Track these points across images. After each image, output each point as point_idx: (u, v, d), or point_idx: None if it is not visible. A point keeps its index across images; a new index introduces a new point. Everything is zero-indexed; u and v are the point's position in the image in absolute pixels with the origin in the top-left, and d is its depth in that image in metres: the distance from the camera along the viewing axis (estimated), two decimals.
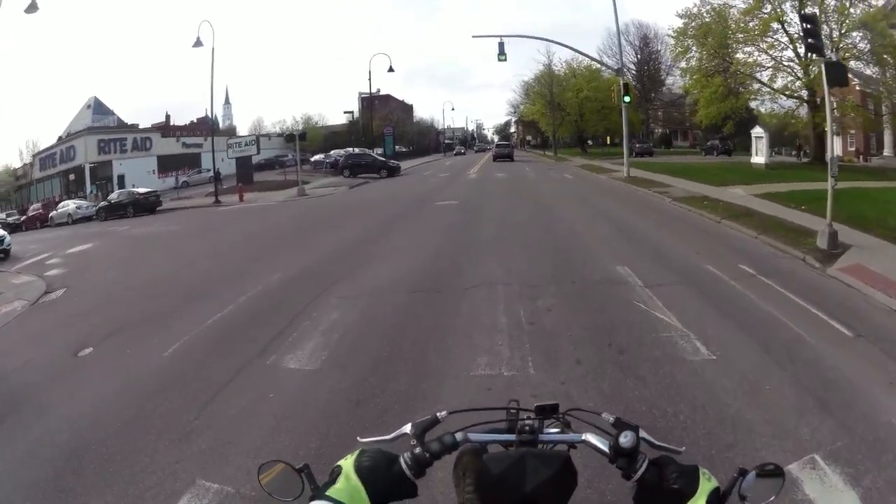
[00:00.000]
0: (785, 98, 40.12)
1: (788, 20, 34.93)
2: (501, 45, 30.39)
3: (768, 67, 37.19)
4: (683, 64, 41.03)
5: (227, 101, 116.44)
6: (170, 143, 64.43)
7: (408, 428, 1.46)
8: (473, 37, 32.60)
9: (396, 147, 79.99)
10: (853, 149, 56.40)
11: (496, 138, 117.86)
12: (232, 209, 29.52)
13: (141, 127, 73.51)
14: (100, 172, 55.89)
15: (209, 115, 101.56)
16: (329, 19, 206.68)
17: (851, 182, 20.66)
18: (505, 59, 30.43)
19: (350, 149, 54.69)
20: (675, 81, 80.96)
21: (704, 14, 37.85)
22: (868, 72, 35.91)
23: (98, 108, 75.91)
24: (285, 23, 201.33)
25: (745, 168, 32.56)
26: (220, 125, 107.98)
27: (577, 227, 15.09)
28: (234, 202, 32.54)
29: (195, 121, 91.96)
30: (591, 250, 12.01)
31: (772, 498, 1.34)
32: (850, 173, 26.59)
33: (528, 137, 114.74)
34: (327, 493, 1.29)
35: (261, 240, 17.58)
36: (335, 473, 1.35)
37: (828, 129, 14.18)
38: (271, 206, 29.68)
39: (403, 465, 1.38)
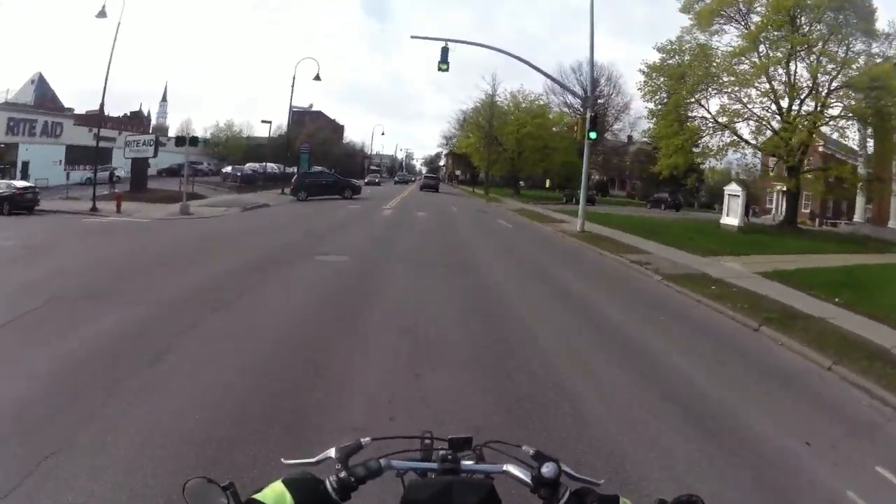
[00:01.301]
0: (746, 155, 36.35)
1: (773, 72, 30.72)
2: (445, 50, 23.82)
3: (745, 119, 32.56)
4: (651, 105, 35.48)
5: (164, 99, 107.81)
6: (82, 132, 54.51)
7: (332, 452, 1.47)
8: (412, 37, 25.33)
9: (316, 168, 73.02)
10: (807, 211, 54.38)
11: (424, 170, 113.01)
12: (99, 222, 23.16)
13: (77, 112, 69.52)
14: (5, 155, 47.12)
15: (142, 108, 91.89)
16: (282, 29, 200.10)
17: (844, 255, 19.79)
18: (447, 69, 23.79)
19: (313, 168, 51.15)
20: (622, 128, 78.09)
21: (686, 51, 32.76)
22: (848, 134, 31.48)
23: (41, 84, 74.16)
24: (235, 28, 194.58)
25: (713, 229, 28.35)
26: (153, 122, 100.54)
27: (553, 347, 7.83)
28: (110, 212, 26.40)
29: (129, 114, 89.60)
30: (617, 445, 4.89)
31: None
32: (826, 243, 24.95)
33: (458, 172, 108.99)
34: (255, 497, 1.31)
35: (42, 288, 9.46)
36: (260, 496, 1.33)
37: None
38: (142, 224, 23.19)
39: (329, 489, 1.37)
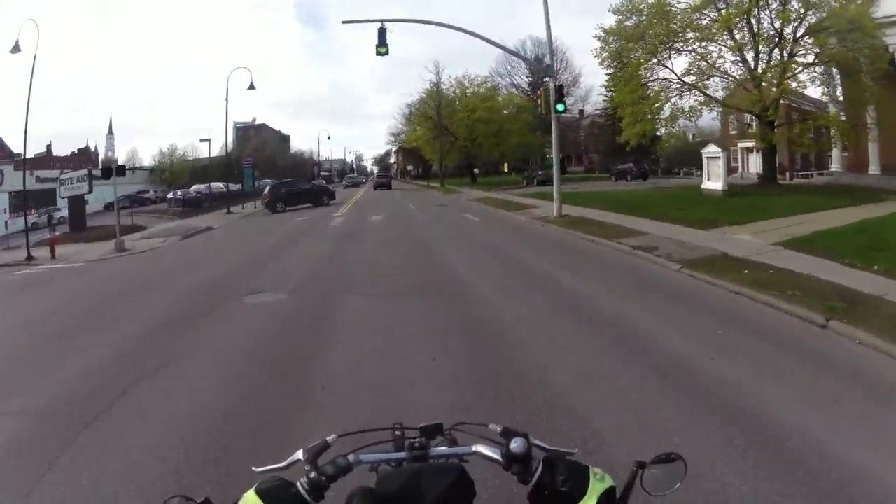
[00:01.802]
0: (714, 113, 34.76)
1: (739, 22, 28.75)
2: (382, 31, 20.73)
3: (712, 77, 30.69)
4: (610, 72, 33.16)
5: (110, 132, 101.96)
6: (25, 177, 51.27)
7: (300, 454, 1.44)
8: (344, 22, 22.03)
9: (260, 182, 69.68)
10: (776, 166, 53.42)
11: (376, 170, 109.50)
12: (24, 274, 20.26)
13: (25, 157, 64.89)
14: None
15: (89, 144, 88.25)
16: (218, 47, 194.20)
17: (843, 210, 18.35)
18: (385, 52, 20.67)
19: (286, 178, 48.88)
20: (574, 102, 76.01)
21: (643, 10, 30.16)
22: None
23: None
24: (170, 51, 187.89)
25: (698, 196, 26.26)
26: (101, 156, 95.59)
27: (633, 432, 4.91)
28: (45, 259, 23.69)
29: (76, 152, 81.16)
30: None
31: (677, 485, 1.35)
32: (813, 196, 23.18)
33: (409, 167, 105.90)
34: None
35: None
36: None
37: None
38: (71, 270, 20.29)
39: (301, 491, 1.35)
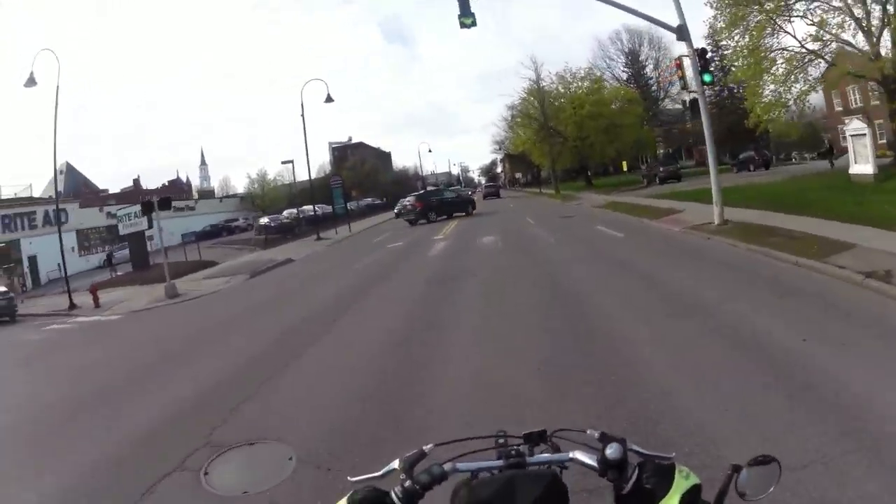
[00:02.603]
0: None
1: None
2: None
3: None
4: (731, 43, 28.90)
5: (203, 162, 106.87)
6: (92, 213, 54.16)
7: (396, 463, 1.47)
8: None
9: (355, 203, 68.07)
10: (883, 141, 47.64)
11: (483, 180, 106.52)
12: (55, 329, 19.10)
13: (111, 192, 72.88)
14: (9, 254, 44.61)
15: (180, 176, 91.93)
16: (309, 71, 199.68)
17: None
18: (472, 23, 17.47)
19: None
20: (679, 93, 70.59)
21: None
22: None
23: (70, 173, 74.35)
24: (264, 72, 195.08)
25: (846, 182, 22.52)
26: (198, 186, 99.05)
27: None
28: (88, 308, 22.28)
29: (167, 183, 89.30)
30: None
31: (771, 488, 1.35)
32: None
33: (518, 175, 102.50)
34: None
35: None
36: None
37: None
38: (106, 324, 18.51)
39: (395, 500, 1.37)
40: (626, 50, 74.15)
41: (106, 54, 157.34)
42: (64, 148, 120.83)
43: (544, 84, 56.08)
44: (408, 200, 45.25)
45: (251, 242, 42.07)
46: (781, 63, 27.83)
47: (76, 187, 74.51)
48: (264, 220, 52.56)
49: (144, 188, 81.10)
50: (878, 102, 48.22)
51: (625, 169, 52.41)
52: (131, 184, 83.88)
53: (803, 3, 26.11)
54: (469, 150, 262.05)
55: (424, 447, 1.51)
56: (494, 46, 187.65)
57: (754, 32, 26.92)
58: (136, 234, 30.78)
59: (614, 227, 20.61)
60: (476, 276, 14.06)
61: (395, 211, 48.54)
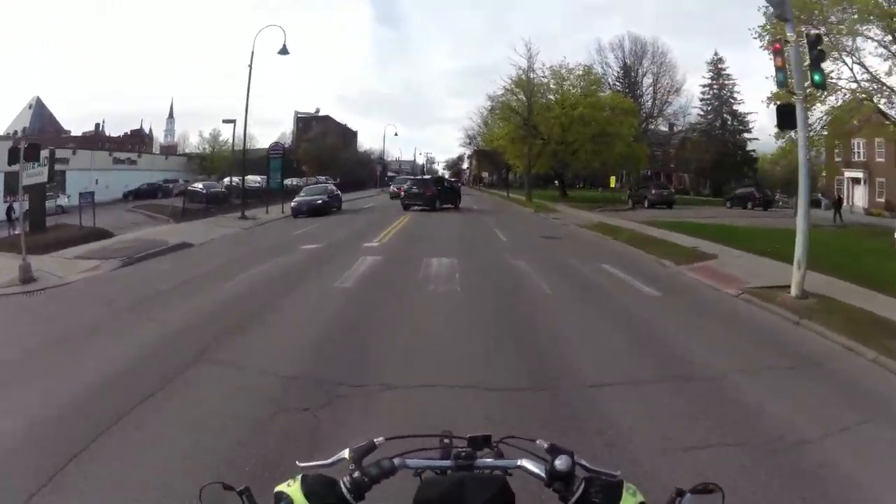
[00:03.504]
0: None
1: None
2: None
3: None
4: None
5: (170, 115, 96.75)
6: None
7: (346, 453, 1.46)
8: None
9: (312, 179, 60.75)
10: (882, 200, 47.46)
11: (447, 174, 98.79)
12: None
13: (73, 135, 70.91)
14: None
15: (144, 127, 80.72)
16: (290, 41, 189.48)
17: None
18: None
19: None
20: (676, 111, 65.60)
21: None
22: None
23: (38, 108, 73.36)
24: (238, 38, 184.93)
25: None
26: (160, 140, 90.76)
27: None
28: None
29: (129, 133, 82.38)
30: None
31: None
32: None
33: (484, 174, 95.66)
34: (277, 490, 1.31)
35: None
36: (278, 498, 1.32)
37: None
38: None
39: (343, 489, 1.36)
40: (625, 60, 68.68)
41: None
42: (40, 80, 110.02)
43: (535, 76, 48.60)
44: (408, 184, 38.62)
45: (167, 211, 34.35)
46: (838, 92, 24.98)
47: (42, 125, 71.94)
48: (198, 186, 45.74)
49: (108, 135, 78.29)
50: (882, 160, 44.11)
51: (612, 185, 44.81)
52: (92, 128, 79.47)
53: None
54: (439, 144, 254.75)
55: (375, 440, 1.48)
56: (486, 45, 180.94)
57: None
58: (37, 186, 23.03)
59: (631, 271, 13.54)
60: (392, 388, 5.90)
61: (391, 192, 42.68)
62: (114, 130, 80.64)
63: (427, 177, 43.51)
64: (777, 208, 44.39)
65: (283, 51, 29.96)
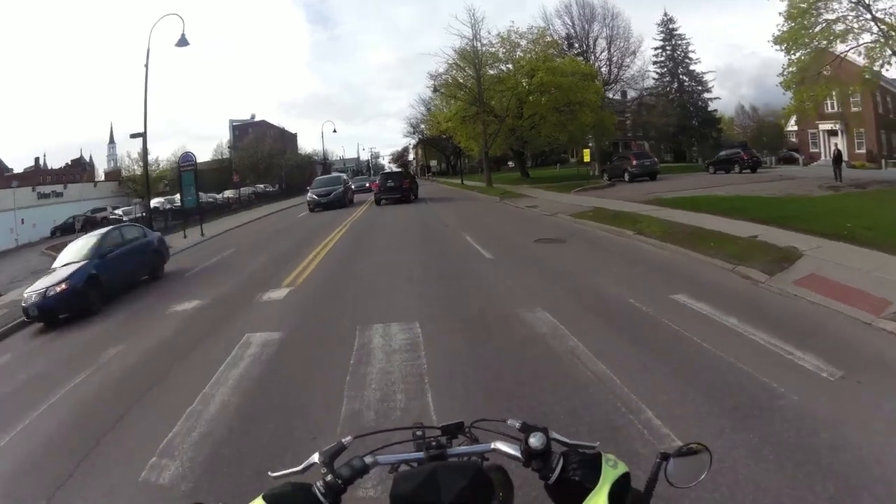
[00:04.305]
0: None
1: None
2: None
3: None
4: None
5: (111, 141, 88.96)
6: None
7: (316, 457, 1.42)
8: None
9: (236, 191, 55.17)
10: (862, 151, 45.75)
11: (393, 167, 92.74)
12: None
13: (15, 172, 66.24)
14: None
15: (83, 154, 74.89)
16: (222, 48, 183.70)
17: None
18: None
19: None
20: (635, 75, 60.58)
21: None
22: None
23: None
24: (172, 51, 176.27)
25: None
26: (104, 167, 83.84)
27: None
28: None
29: (69, 163, 77.28)
30: None
31: (702, 476, 1.32)
32: None
33: (433, 162, 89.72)
34: None
35: None
36: None
37: None
38: None
39: (318, 494, 1.32)
40: (574, 26, 63.14)
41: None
42: None
43: (482, 46, 41.94)
44: (381, 178, 36.73)
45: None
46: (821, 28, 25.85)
47: None
48: (117, 213, 41.87)
49: (49, 168, 74.51)
50: (858, 109, 41.53)
51: (588, 159, 38.14)
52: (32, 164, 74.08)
53: None
54: (384, 135, 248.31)
55: (343, 440, 1.45)
56: (420, 34, 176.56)
57: None
58: None
59: (730, 306, 7.58)
60: None
61: (308, 200, 35.28)
62: (56, 162, 76.91)
63: (398, 170, 43.06)
64: (764, 170, 39.65)
65: (182, 42, 24.95)
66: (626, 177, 35.11)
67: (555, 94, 40.11)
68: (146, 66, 25.58)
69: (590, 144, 44.31)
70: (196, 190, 28.62)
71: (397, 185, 33.29)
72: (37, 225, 47.76)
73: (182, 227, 28.78)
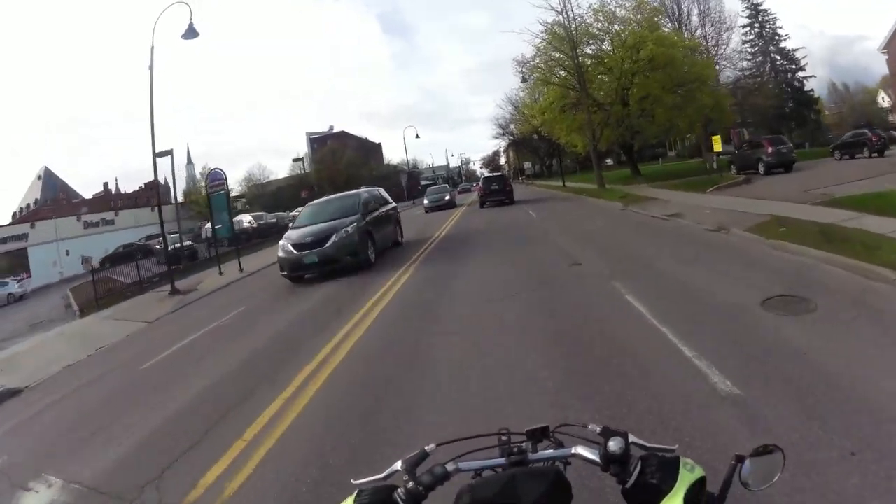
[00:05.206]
0: None
1: None
2: None
3: None
4: None
5: (189, 161, 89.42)
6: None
7: (399, 465, 1.43)
8: None
9: (273, 214, 51.92)
10: None
11: (484, 172, 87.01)
12: None
13: (87, 198, 69.38)
14: None
15: (158, 177, 79.71)
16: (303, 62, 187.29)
17: None
18: None
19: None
20: (734, 50, 53.28)
21: None
22: None
23: (48, 178, 71.85)
24: (253, 68, 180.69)
25: None
26: (181, 187, 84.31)
27: None
28: None
29: (143, 186, 77.41)
30: None
31: (776, 478, 1.30)
32: None
33: (527, 164, 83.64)
34: None
35: None
36: None
37: None
38: None
39: (399, 501, 1.34)
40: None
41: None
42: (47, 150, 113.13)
43: (574, 21, 35.06)
44: (484, 182, 38.03)
45: (83, 296, 24.71)
46: None
47: (55, 193, 70.56)
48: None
49: (122, 192, 75.75)
50: None
51: (719, 148, 30.29)
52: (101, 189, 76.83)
53: None
54: (472, 140, 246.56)
55: (426, 447, 1.46)
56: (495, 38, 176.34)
57: None
58: None
59: None
60: None
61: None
62: (130, 186, 78.70)
63: (499, 174, 41.46)
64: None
65: (190, 33, 20.48)
66: (761, 168, 28.72)
67: (668, 70, 33.60)
68: (150, 68, 21.03)
69: (716, 132, 37.26)
70: (230, 216, 24.21)
71: (501, 188, 34.42)
72: (92, 256, 43.22)
73: (217, 260, 24.52)
